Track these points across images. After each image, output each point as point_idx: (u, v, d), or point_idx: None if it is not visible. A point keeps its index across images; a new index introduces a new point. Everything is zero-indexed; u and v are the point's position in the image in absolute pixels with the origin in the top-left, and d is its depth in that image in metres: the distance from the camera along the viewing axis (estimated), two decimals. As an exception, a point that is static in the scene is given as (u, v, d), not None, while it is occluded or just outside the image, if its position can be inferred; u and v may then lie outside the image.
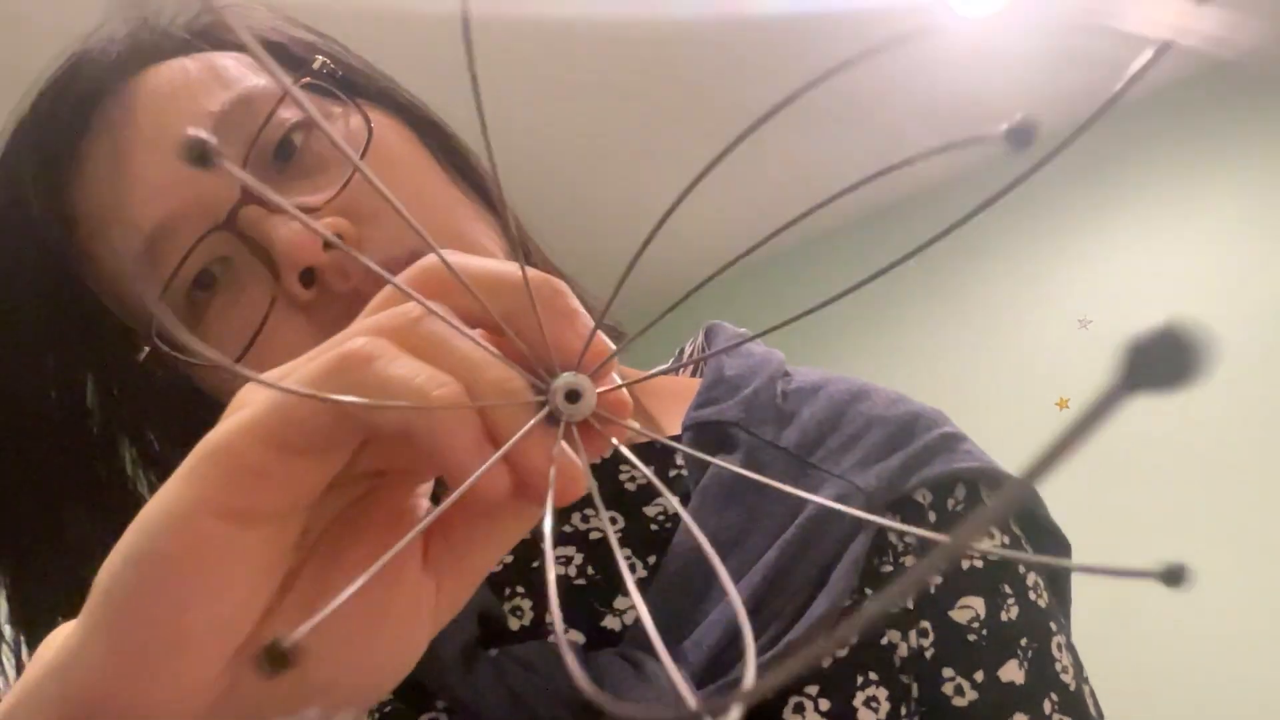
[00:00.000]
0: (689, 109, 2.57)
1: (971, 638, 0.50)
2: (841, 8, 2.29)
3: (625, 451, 0.27)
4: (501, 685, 0.44)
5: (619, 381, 0.28)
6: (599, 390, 0.27)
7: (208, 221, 0.47)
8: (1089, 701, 0.51)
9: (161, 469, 0.55)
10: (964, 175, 2.93)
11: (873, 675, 0.47)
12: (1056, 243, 2.78)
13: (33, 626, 0.51)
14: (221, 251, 0.48)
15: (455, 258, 0.27)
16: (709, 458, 0.30)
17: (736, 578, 0.47)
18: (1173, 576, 0.21)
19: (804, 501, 0.50)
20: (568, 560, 0.51)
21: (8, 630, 0.51)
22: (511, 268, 0.27)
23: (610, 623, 0.48)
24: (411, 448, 0.25)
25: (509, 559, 0.51)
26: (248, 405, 0.26)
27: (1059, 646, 0.51)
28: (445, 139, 0.55)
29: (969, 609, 0.50)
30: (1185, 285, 2.57)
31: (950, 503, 0.52)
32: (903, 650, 0.49)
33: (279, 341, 0.46)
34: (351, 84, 0.52)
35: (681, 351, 0.65)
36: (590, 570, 0.50)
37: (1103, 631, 1.78)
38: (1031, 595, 0.52)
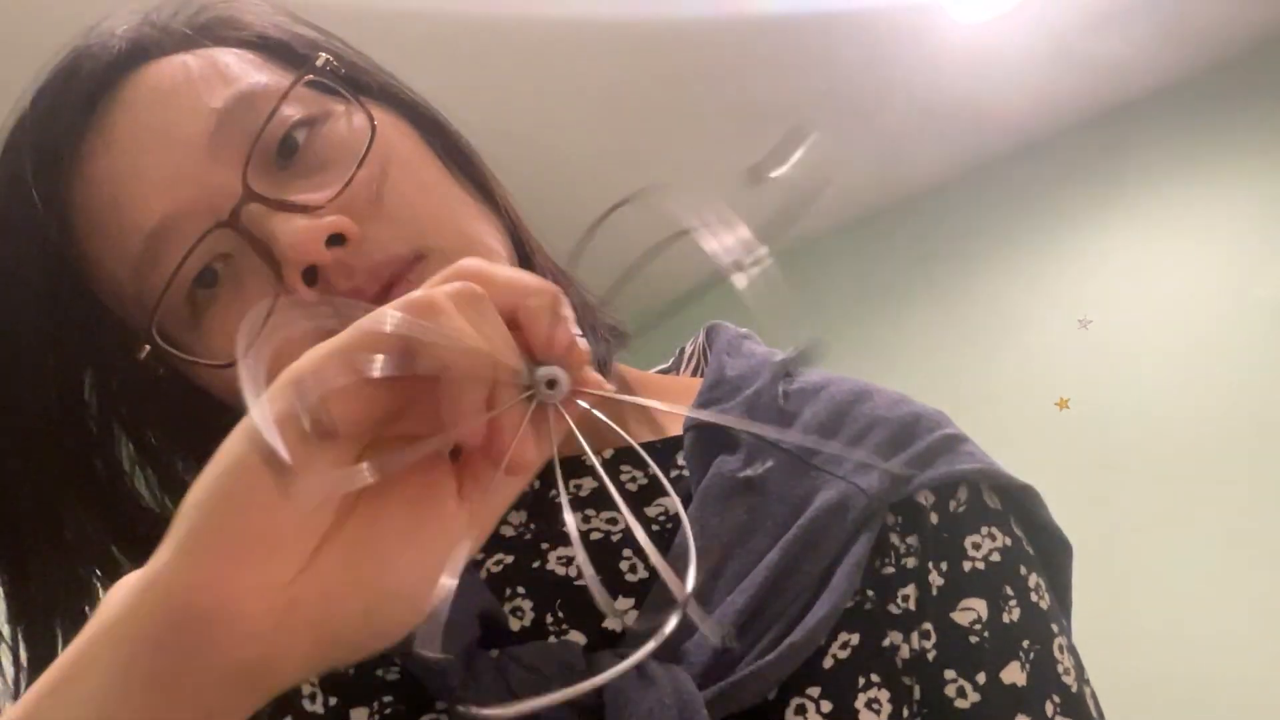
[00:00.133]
0: (689, 109, 2.57)
1: (973, 639, 0.50)
2: (842, 8, 2.29)
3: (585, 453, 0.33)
4: (503, 686, 0.44)
5: (599, 376, 0.34)
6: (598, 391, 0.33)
7: (210, 219, 0.47)
8: (1090, 703, 0.51)
9: (160, 467, 0.55)
10: (964, 175, 2.93)
11: (874, 677, 0.47)
12: (1056, 243, 2.78)
13: (31, 625, 0.51)
14: (223, 249, 0.47)
15: (483, 263, 0.33)
16: (653, 464, 0.36)
17: (739, 578, 0.47)
18: (808, 354, 0.27)
19: (806, 502, 0.49)
20: (568, 561, 0.51)
21: (7, 630, 0.51)
22: (529, 277, 0.33)
23: (611, 623, 0.48)
24: (433, 405, 0.31)
25: (509, 559, 0.51)
26: (332, 339, 0.31)
27: (1060, 648, 0.51)
28: (448, 137, 0.55)
29: (971, 611, 0.50)
30: (1185, 285, 2.57)
31: (952, 504, 0.52)
32: (905, 652, 0.49)
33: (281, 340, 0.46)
34: (355, 81, 0.52)
35: (682, 351, 0.65)
36: (591, 571, 0.50)
37: (1103, 632, 1.78)
38: (1033, 597, 0.52)
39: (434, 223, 0.49)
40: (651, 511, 0.52)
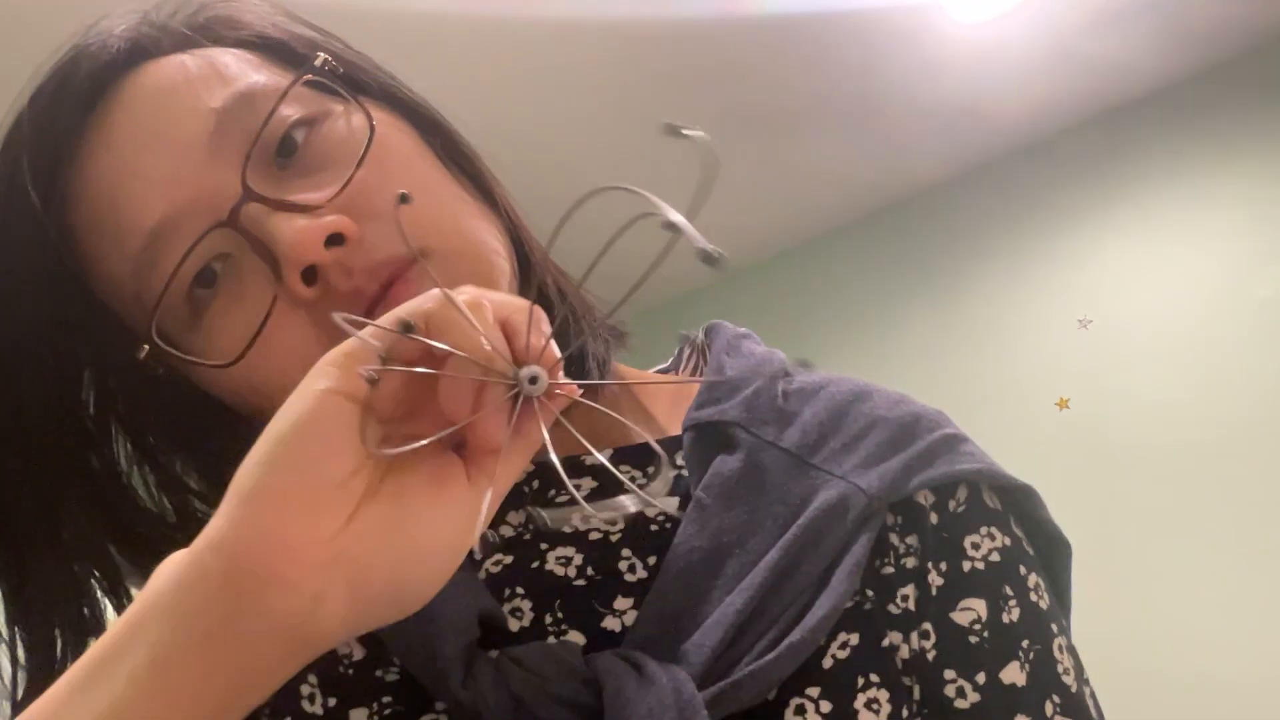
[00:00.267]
0: (689, 109, 2.57)
1: (973, 639, 0.49)
2: (842, 8, 2.29)
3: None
4: (502, 686, 0.44)
5: (572, 385, 0.38)
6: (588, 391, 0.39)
7: (209, 218, 0.47)
8: (1090, 703, 0.51)
9: (158, 466, 0.55)
10: (964, 175, 2.93)
11: (874, 677, 0.47)
12: (1056, 243, 2.78)
13: (29, 625, 0.51)
14: (223, 248, 0.47)
15: (477, 291, 0.38)
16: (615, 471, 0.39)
17: (738, 579, 0.47)
18: (709, 259, 0.32)
19: (806, 502, 0.49)
20: (567, 561, 0.50)
21: (4, 630, 0.51)
22: (519, 301, 0.38)
23: (610, 623, 0.48)
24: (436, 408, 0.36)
25: (508, 560, 0.51)
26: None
27: (1060, 648, 0.51)
28: (447, 136, 0.55)
29: (970, 611, 0.50)
30: (1185, 285, 2.57)
31: (952, 504, 0.52)
32: (904, 652, 0.49)
33: (281, 339, 0.46)
34: (354, 81, 0.52)
35: (681, 351, 0.65)
36: (590, 571, 0.50)
37: (1103, 631, 1.79)
38: (1033, 597, 0.51)
39: (433, 222, 0.48)
40: (651, 511, 0.52)
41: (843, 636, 0.47)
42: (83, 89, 0.50)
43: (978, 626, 0.50)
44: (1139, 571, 2.41)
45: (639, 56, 2.38)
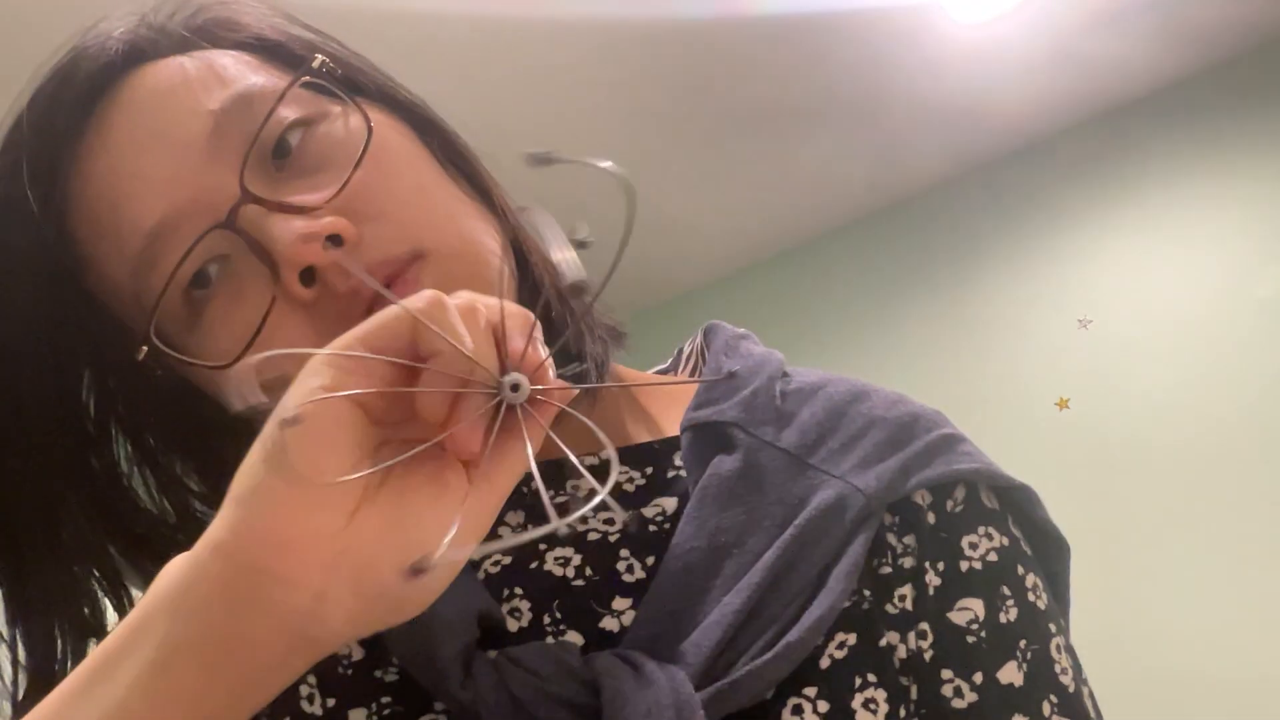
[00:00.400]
0: (689, 109, 2.57)
1: (970, 639, 0.50)
2: (842, 8, 2.29)
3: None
4: (501, 687, 0.44)
5: (565, 385, 0.38)
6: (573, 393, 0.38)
7: (208, 219, 0.47)
8: (1088, 703, 0.51)
9: (157, 467, 0.55)
10: (964, 175, 2.93)
11: (871, 677, 0.47)
12: (1056, 243, 2.78)
13: (29, 625, 0.51)
14: (221, 250, 0.47)
15: (471, 296, 0.37)
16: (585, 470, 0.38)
17: (736, 579, 0.47)
18: (538, 160, 0.34)
19: (804, 502, 0.49)
20: (565, 561, 0.51)
21: (5, 630, 0.51)
22: (512, 307, 0.37)
23: (608, 624, 0.48)
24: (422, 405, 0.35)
25: (507, 560, 0.51)
26: (355, 327, 0.36)
27: (1058, 648, 0.51)
28: (445, 137, 0.55)
29: (968, 610, 0.50)
30: (1185, 285, 2.57)
31: (949, 504, 0.52)
32: (901, 652, 0.49)
33: (279, 340, 0.46)
34: (351, 83, 0.52)
35: (680, 351, 0.65)
36: (588, 571, 0.50)
37: (1102, 631, 1.79)
38: (1030, 597, 0.52)
39: (431, 223, 0.49)
40: (649, 512, 0.52)
41: (840, 636, 0.48)
42: (82, 91, 0.50)
43: (975, 626, 0.50)
44: (1139, 571, 2.41)
45: (639, 56, 2.38)
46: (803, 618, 0.46)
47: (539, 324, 0.37)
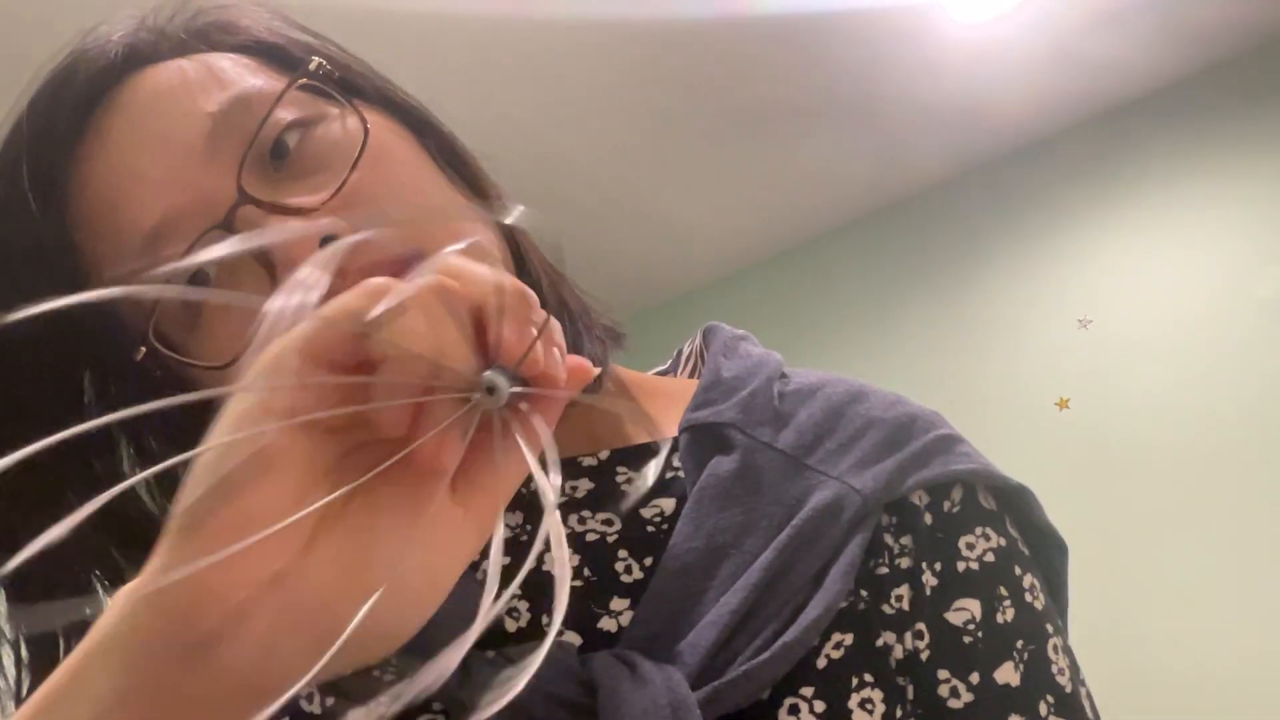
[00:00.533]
0: (688, 109, 2.57)
1: (967, 639, 0.50)
2: (841, 8, 2.29)
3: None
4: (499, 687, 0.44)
5: (559, 378, 0.33)
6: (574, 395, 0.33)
7: (206, 220, 0.47)
8: (1085, 703, 0.51)
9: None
10: (964, 175, 2.93)
11: (868, 677, 0.47)
12: (1056, 243, 2.78)
13: (31, 626, 0.51)
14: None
15: (463, 261, 0.33)
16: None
17: (733, 579, 0.47)
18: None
19: (801, 503, 0.50)
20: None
21: (8, 629, 0.51)
22: (504, 277, 0.32)
23: (606, 624, 0.49)
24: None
25: (505, 560, 0.51)
26: (294, 329, 0.31)
27: (1055, 648, 0.51)
28: (443, 139, 0.55)
29: (964, 611, 0.50)
30: (1185, 285, 2.57)
31: (947, 504, 0.52)
32: (898, 652, 0.49)
33: None
34: (349, 85, 0.52)
35: (679, 353, 0.65)
36: (586, 572, 0.50)
37: (1101, 631, 1.79)
38: (1028, 597, 0.52)
39: (429, 223, 0.49)
40: (647, 513, 0.52)
41: (837, 637, 0.48)
42: (81, 93, 0.50)
43: (972, 626, 0.50)
44: (1139, 571, 2.41)
45: (639, 56, 2.38)
46: (799, 618, 0.46)
47: (537, 301, 0.32)
